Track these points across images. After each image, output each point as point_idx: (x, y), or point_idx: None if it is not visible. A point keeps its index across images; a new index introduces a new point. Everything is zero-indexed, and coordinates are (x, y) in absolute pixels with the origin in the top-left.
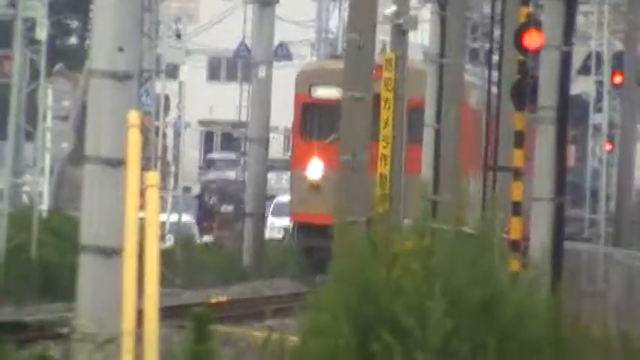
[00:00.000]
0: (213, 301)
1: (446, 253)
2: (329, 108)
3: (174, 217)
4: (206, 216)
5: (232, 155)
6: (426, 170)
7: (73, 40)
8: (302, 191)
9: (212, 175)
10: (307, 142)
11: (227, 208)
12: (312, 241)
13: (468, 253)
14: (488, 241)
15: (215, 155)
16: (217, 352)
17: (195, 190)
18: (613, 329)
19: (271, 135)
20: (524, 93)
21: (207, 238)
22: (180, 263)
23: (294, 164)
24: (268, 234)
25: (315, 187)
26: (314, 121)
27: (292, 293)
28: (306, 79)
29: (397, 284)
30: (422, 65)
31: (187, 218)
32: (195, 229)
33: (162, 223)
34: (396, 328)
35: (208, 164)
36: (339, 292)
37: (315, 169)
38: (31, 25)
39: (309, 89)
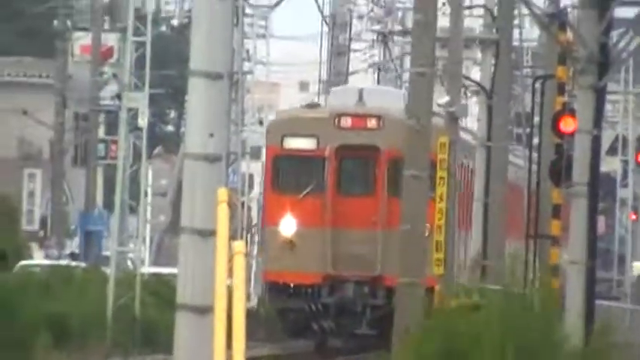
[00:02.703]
0: None
1: (499, 310)
2: (302, 160)
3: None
4: None
5: None
6: (477, 238)
7: (170, 127)
8: (274, 249)
9: None
10: (280, 197)
11: None
12: (286, 302)
13: (519, 310)
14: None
15: None
16: None
17: None
18: None
19: None
20: (560, 171)
21: None
22: (263, 319)
23: (266, 221)
24: None
25: (288, 244)
26: (287, 174)
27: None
28: (278, 130)
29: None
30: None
31: None
32: None
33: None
34: None
35: None
36: (421, 346)
37: (288, 225)
38: (134, 114)
39: (281, 140)
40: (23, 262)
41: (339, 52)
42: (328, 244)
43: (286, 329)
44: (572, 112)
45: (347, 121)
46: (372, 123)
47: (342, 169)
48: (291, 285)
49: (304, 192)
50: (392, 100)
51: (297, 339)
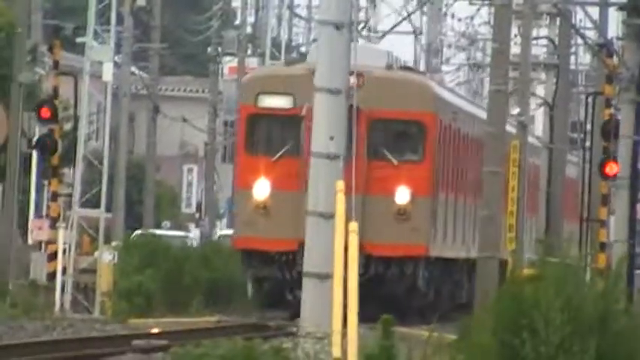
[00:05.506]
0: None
1: (560, 279)
2: (277, 120)
3: None
4: None
5: None
6: (541, 220)
7: None
8: (247, 214)
9: None
10: (253, 159)
11: None
12: (260, 270)
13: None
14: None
15: None
16: (396, 346)
17: None
18: None
19: None
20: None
21: None
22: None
23: (238, 183)
24: None
25: (261, 209)
26: (261, 134)
27: None
28: (253, 87)
29: (535, 299)
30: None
31: None
32: None
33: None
34: (531, 330)
35: None
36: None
37: (261, 188)
38: None
39: (256, 98)
40: (137, 232)
41: (432, 73)
42: (304, 209)
43: (260, 299)
44: (617, 123)
45: None
46: (351, 81)
47: None
48: (265, 252)
49: (279, 153)
50: (374, 57)
51: (272, 310)
